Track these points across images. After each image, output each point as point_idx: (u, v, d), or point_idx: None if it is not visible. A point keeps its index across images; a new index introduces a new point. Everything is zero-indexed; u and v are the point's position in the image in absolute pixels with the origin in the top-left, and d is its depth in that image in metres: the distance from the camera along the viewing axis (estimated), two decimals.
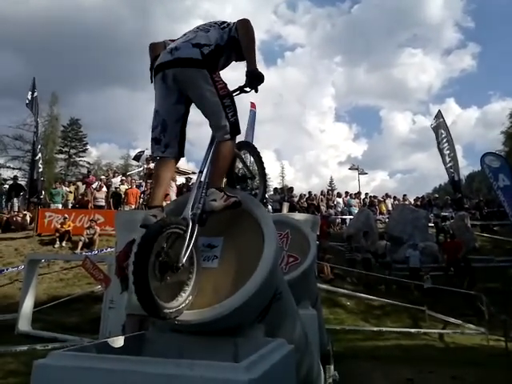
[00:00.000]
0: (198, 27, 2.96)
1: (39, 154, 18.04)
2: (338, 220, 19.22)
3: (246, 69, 2.88)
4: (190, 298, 2.49)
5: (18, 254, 13.40)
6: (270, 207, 16.84)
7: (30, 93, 18.22)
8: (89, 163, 44.26)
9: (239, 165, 3.35)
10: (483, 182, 35.59)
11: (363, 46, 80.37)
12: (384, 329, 10.58)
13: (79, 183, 17.99)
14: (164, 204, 2.84)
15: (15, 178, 19.56)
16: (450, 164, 22.44)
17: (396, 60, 77.90)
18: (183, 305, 2.43)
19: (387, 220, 19.10)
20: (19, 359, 6.94)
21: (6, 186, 19.16)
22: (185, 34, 2.92)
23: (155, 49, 2.99)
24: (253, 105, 21.26)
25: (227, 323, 2.49)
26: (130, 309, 4.81)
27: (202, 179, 2.81)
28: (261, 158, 3.52)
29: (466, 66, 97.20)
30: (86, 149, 47.13)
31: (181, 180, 18.55)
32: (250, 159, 3.52)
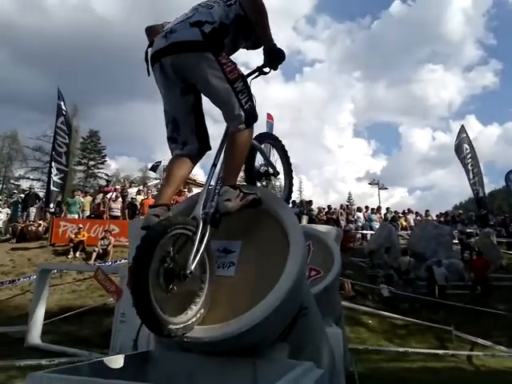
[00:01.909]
0: (199, 4, 2.51)
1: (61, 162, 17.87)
2: (359, 235, 18.65)
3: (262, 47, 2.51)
4: (202, 311, 2.12)
5: (31, 264, 13.16)
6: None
7: (57, 102, 18.25)
8: (107, 175, 44.42)
9: (260, 159, 2.94)
10: (505, 199, 34.57)
11: (383, 62, 79.93)
12: (410, 350, 9.98)
13: (98, 195, 17.71)
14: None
15: (31, 187, 19.56)
16: (474, 180, 21.80)
17: (416, 76, 77.32)
18: (193, 319, 2.06)
19: (409, 236, 18.48)
20: (25, 374, 6.58)
21: (22, 196, 19.12)
22: (185, 14, 2.49)
23: (151, 33, 2.54)
24: (270, 116, 20.60)
25: (245, 342, 2.10)
26: None
27: (216, 174, 2.45)
28: (286, 152, 3.12)
29: (487, 83, 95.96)
30: (105, 160, 47.43)
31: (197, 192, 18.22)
32: (272, 153, 3.08)
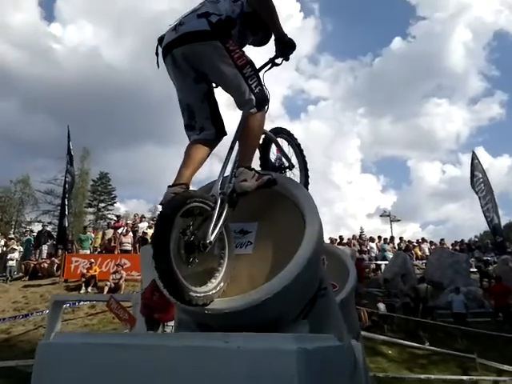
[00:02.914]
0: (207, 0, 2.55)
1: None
2: (373, 265, 18.33)
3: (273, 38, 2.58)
4: (222, 284, 2.10)
5: (44, 300, 13.09)
6: None
7: (68, 143, 18.66)
8: (117, 216, 44.76)
9: (275, 152, 2.94)
10: None
11: (387, 97, 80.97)
12: (432, 376, 9.59)
13: (107, 231, 17.79)
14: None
15: (44, 225, 19.66)
16: (487, 206, 21.51)
17: (421, 110, 77.96)
18: (214, 291, 2.03)
19: (425, 265, 18.15)
20: None
21: (35, 234, 19.17)
22: (193, 8, 2.55)
23: None
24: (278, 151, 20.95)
25: (265, 314, 2.03)
26: None
27: (233, 156, 2.44)
28: (300, 146, 3.12)
29: (494, 114, 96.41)
30: (115, 202, 47.82)
31: None
32: (288, 149, 3.08)
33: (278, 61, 2.66)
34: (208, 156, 2.55)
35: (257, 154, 2.59)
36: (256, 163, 2.63)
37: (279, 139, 3.00)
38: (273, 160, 2.97)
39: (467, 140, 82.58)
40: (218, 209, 2.13)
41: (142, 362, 1.52)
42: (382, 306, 13.37)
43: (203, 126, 2.51)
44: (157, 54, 2.51)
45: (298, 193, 2.44)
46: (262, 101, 2.40)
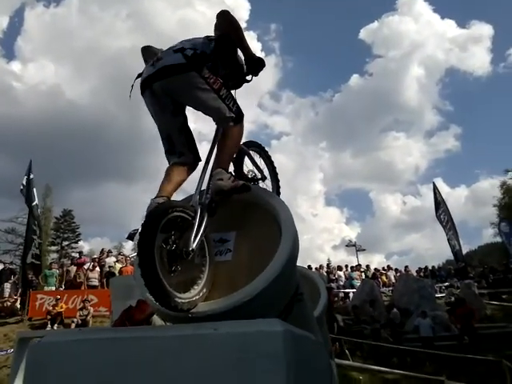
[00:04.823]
0: (183, 40, 2.76)
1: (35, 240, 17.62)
2: (341, 294, 18.52)
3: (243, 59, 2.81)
4: (205, 290, 2.22)
5: (7, 339, 12.50)
6: None
7: (25, 177, 18.16)
8: (79, 252, 43.53)
9: (248, 165, 3.12)
10: (483, 260, 34.78)
11: (347, 132, 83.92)
12: None
13: (70, 268, 17.21)
14: None
15: (5, 263, 18.94)
16: (449, 234, 22.32)
17: (380, 143, 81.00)
18: (197, 297, 2.14)
19: (391, 292, 18.47)
20: None
21: None
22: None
23: (147, 53, 2.77)
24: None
25: (247, 316, 2.13)
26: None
27: (209, 171, 2.61)
28: (271, 158, 3.32)
29: (450, 147, 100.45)
30: (79, 239, 46.56)
31: None
32: (259, 161, 3.27)
33: (249, 77, 2.90)
34: (186, 179, 2.69)
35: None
36: None
37: (251, 152, 3.18)
38: (246, 172, 3.11)
39: (425, 172, 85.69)
40: (198, 218, 2.26)
41: (135, 353, 1.59)
42: (339, 318, 13.60)
43: (182, 152, 2.68)
44: (132, 86, 2.67)
45: (273, 201, 2.60)
46: (240, 116, 2.62)
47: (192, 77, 2.46)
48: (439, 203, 23.10)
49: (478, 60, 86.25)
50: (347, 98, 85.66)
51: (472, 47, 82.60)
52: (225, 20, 2.69)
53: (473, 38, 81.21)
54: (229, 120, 2.57)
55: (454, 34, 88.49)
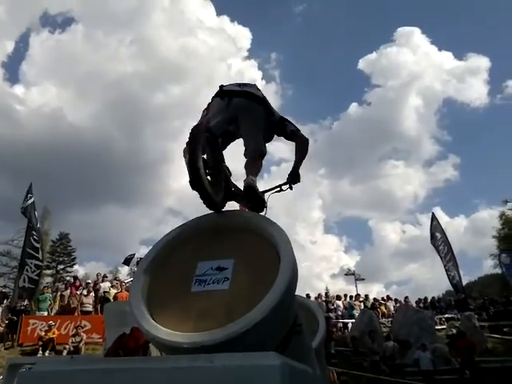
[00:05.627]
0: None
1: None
2: (340, 324, 18.19)
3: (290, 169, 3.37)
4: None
5: None
6: None
7: (27, 200, 18.06)
8: (74, 277, 43.03)
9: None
10: (483, 291, 34.46)
11: (346, 160, 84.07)
12: None
13: (65, 292, 16.94)
14: None
15: None
16: (448, 265, 22.10)
17: (379, 172, 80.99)
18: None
19: (391, 323, 18.16)
20: None
21: None
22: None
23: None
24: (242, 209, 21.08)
25: (244, 347, 2.03)
26: None
27: None
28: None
29: (449, 176, 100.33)
30: (74, 263, 46.04)
31: None
32: None
33: (285, 187, 3.29)
34: None
35: None
36: None
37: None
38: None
39: (424, 201, 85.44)
40: None
41: None
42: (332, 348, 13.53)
43: None
44: (220, 86, 3.32)
45: (272, 229, 2.54)
46: (265, 151, 3.22)
47: (261, 109, 3.27)
48: (438, 234, 22.96)
49: (476, 91, 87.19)
50: (346, 126, 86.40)
51: (469, 79, 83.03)
52: (306, 145, 3.49)
53: (470, 70, 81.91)
54: (261, 150, 3.16)
55: (452, 65, 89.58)
